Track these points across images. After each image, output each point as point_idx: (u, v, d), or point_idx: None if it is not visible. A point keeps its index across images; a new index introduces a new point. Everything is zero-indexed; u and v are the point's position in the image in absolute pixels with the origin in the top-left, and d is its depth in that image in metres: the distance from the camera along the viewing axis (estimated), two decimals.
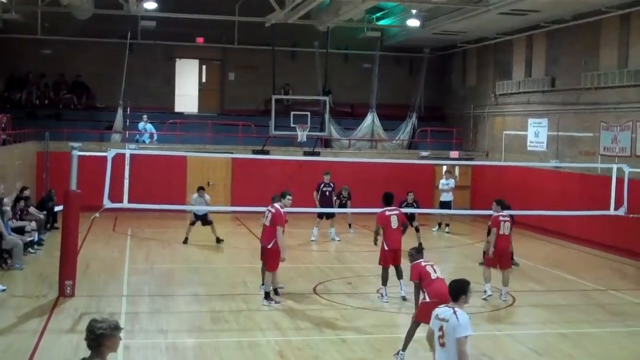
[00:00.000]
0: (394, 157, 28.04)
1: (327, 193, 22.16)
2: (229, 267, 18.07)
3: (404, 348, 10.82)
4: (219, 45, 31.66)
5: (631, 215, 16.90)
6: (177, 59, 32.33)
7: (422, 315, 10.47)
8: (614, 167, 17.07)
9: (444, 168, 27.17)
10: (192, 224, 21.05)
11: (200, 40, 31.11)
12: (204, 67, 33.11)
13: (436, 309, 7.54)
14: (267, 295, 14.19)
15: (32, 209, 20.25)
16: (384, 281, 14.74)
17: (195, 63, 32.96)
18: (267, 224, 14.25)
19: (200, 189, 20.91)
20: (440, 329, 7.24)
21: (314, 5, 23.81)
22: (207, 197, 20.97)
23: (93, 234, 21.20)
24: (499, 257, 14.95)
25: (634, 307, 14.97)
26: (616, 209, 16.66)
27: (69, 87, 30.48)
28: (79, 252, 15.87)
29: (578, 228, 22.17)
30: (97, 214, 14.84)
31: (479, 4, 22.82)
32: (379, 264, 14.87)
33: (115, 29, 28.53)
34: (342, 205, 22.74)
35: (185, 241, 20.87)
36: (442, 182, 24.94)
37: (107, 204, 14.17)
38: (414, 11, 26.37)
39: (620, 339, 12.54)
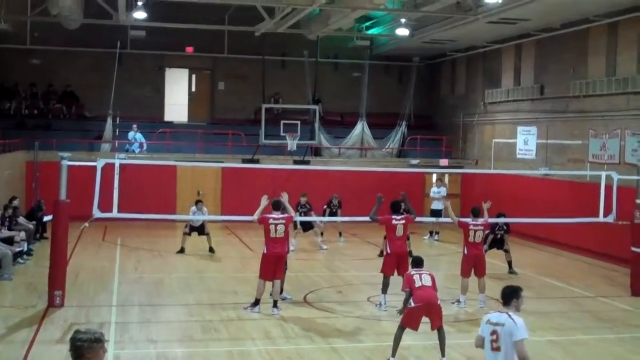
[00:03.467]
0: (384, 165, 28.08)
1: (303, 214, 21.40)
2: (219, 276, 18.04)
3: (393, 354, 10.98)
4: (208, 55, 31.70)
5: (620, 223, 16.95)
6: (167, 69, 32.32)
7: (407, 320, 11.03)
8: (603, 174, 17.12)
9: (434, 176, 27.23)
10: (188, 234, 21.01)
11: (189, 49, 31.13)
12: (193, 76, 33.11)
13: (487, 315, 7.71)
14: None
15: (21, 219, 20.18)
16: (384, 289, 14.72)
17: (185, 72, 32.96)
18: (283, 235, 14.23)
19: (199, 202, 20.95)
20: (494, 333, 7.39)
21: (303, 14, 23.88)
22: (205, 209, 21.03)
23: (82, 244, 21.14)
24: (473, 265, 15.03)
25: (623, 314, 15.02)
26: (605, 216, 16.70)
27: (59, 96, 30.42)
28: (69, 262, 15.83)
29: (567, 235, 22.23)
30: (86, 224, 14.80)
31: (468, 13, 22.93)
32: (381, 271, 14.86)
33: (105, 38, 28.53)
34: (333, 213, 22.75)
35: (182, 251, 20.82)
36: (434, 190, 25.00)
37: (96, 213, 14.13)
38: (403, 20, 26.44)
39: (609, 346, 12.57)
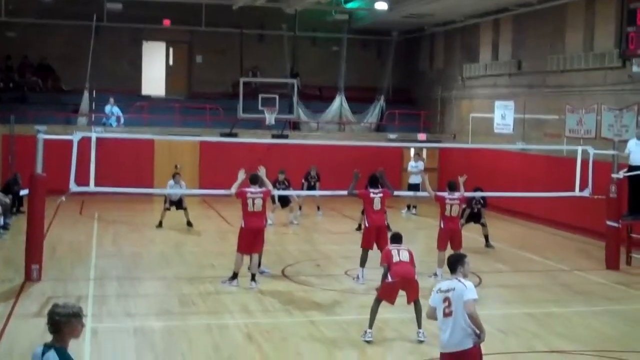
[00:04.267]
0: (362, 140, 28.11)
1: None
2: (197, 250, 18.05)
3: (370, 326, 11.07)
4: (186, 28, 31.46)
5: (595, 197, 17.11)
6: (144, 42, 32.06)
7: (384, 293, 11.20)
8: (579, 149, 17.25)
9: (412, 151, 27.28)
10: (167, 209, 20.92)
11: (167, 22, 30.82)
12: (171, 49, 32.88)
13: (438, 284, 7.99)
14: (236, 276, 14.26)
15: None
16: (363, 263, 14.79)
17: (162, 45, 32.72)
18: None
19: (176, 175, 20.80)
20: (446, 300, 7.66)
21: None
22: (183, 183, 20.90)
23: (59, 218, 21.02)
24: (450, 239, 15.13)
25: (598, 287, 15.21)
26: (581, 190, 16.84)
27: (34, 69, 30.11)
28: (46, 236, 15.75)
29: (544, 209, 22.41)
30: (63, 198, 14.77)
31: None
32: (361, 245, 14.93)
33: (81, 11, 28.23)
34: (311, 187, 22.77)
35: (160, 225, 20.75)
36: (411, 165, 25.08)
37: (73, 187, 14.05)
38: None
39: (585, 319, 12.73)
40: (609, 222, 16.99)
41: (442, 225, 15.28)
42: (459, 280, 7.74)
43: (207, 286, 14.27)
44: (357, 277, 14.83)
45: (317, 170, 23.24)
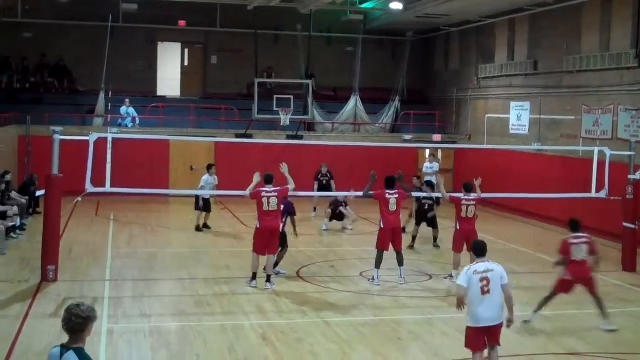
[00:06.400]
0: (377, 141, 28.05)
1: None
2: (212, 251, 18.07)
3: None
4: (201, 29, 31.52)
5: (612, 198, 17.01)
6: (159, 43, 32.15)
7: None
8: (596, 150, 17.16)
9: (427, 151, 27.23)
10: (202, 209, 20.28)
11: (182, 23, 30.92)
12: (186, 50, 32.95)
13: (471, 266, 8.86)
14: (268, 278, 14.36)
15: (14, 194, 20.13)
16: (378, 264, 14.78)
17: (177, 46, 32.79)
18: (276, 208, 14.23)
19: (212, 166, 20.24)
20: (484, 279, 8.59)
21: None
22: (216, 177, 20.36)
23: (75, 219, 21.12)
24: (466, 240, 15.02)
25: (614, 289, 15.12)
26: (597, 191, 16.76)
27: (51, 70, 30.25)
28: (62, 236, 15.83)
29: (560, 210, 22.21)
30: (79, 199, 14.79)
31: None
32: (376, 246, 14.91)
33: (97, 12, 28.35)
34: (323, 186, 22.46)
35: (200, 228, 20.32)
36: (426, 166, 25.02)
37: (89, 188, 14.11)
38: None
39: (601, 320, 12.63)
40: (625, 224, 16.90)
41: (458, 227, 15.18)
42: (494, 263, 8.79)
43: (223, 287, 14.30)
44: (373, 279, 14.81)
45: (328, 167, 22.98)
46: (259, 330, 11.55)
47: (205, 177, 20.23)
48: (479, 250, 9.03)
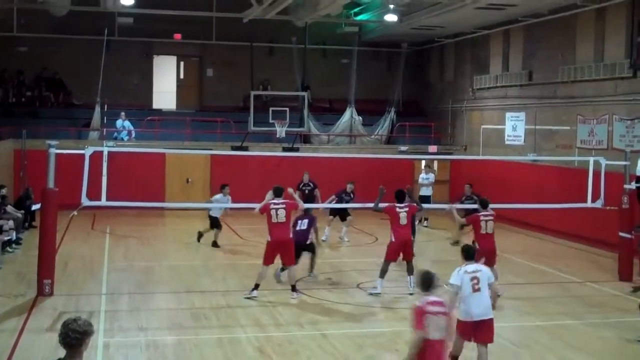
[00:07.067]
0: (373, 152, 28.08)
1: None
2: (208, 264, 18.04)
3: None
4: (196, 42, 31.56)
5: (608, 208, 17.03)
6: (155, 56, 32.19)
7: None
8: (591, 159, 17.20)
9: (423, 162, 27.24)
10: (216, 227, 19.93)
11: (177, 36, 30.98)
12: (181, 63, 32.99)
13: (462, 267, 9.65)
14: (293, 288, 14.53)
15: (9, 208, 20.08)
16: (382, 274, 14.82)
17: (173, 59, 32.82)
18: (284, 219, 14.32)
19: (224, 186, 19.67)
20: (474, 278, 9.53)
21: (291, 1, 23.80)
22: (229, 197, 19.78)
23: (71, 233, 21.08)
24: (485, 256, 14.90)
25: (611, 299, 15.12)
26: (593, 201, 16.79)
27: (46, 84, 30.25)
28: (58, 250, 15.79)
29: (556, 221, 22.32)
30: (75, 212, 14.77)
31: None
32: (385, 259, 14.91)
33: (92, 25, 28.35)
34: (306, 196, 21.50)
35: (215, 244, 19.86)
36: (422, 177, 25.02)
37: (85, 202, 14.10)
38: (391, 6, 26.35)
39: (598, 330, 12.66)
40: (621, 234, 16.91)
41: (478, 246, 14.30)
42: (480, 264, 9.97)
43: (219, 300, 14.27)
44: (375, 288, 14.80)
45: (309, 176, 22.11)
46: (255, 343, 11.52)
47: (219, 196, 19.76)
48: (469, 254, 9.88)
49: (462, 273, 9.59)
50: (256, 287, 14.35)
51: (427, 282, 8.15)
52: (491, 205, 18.07)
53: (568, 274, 17.43)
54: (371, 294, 14.74)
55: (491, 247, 14.65)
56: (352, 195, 21.01)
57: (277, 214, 14.15)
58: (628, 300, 15.00)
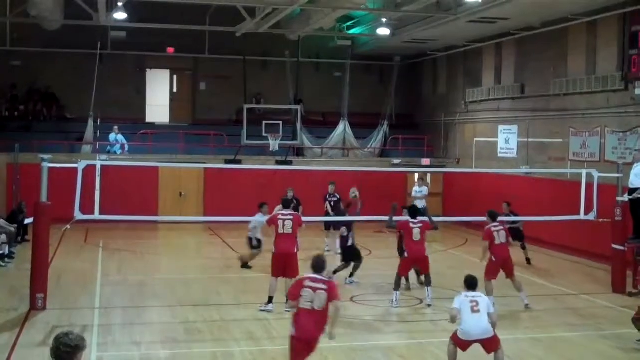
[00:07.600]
0: (366, 165, 28.08)
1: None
2: (202, 278, 17.99)
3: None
4: (189, 55, 31.61)
5: (601, 220, 17.06)
6: (148, 69, 32.21)
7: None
8: (584, 172, 17.23)
9: (416, 175, 27.27)
10: (256, 247, 18.70)
11: (170, 50, 31.01)
12: (175, 77, 33.02)
13: (461, 294, 10.22)
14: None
15: (2, 222, 20.02)
16: (397, 286, 14.96)
17: (166, 73, 32.85)
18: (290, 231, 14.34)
19: (263, 204, 17.94)
20: (474, 301, 9.99)
21: (284, 14, 23.87)
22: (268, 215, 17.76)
23: (64, 247, 21.02)
24: (502, 267, 14.94)
25: (605, 311, 15.12)
26: (586, 213, 16.81)
27: (39, 98, 30.22)
28: (51, 264, 15.70)
29: (549, 233, 22.34)
30: (68, 226, 14.73)
31: (448, 13, 23.01)
32: (398, 273, 15.07)
33: (85, 39, 28.35)
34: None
35: (246, 265, 18.69)
36: (415, 190, 25.04)
37: (78, 215, 14.06)
38: (384, 20, 26.49)
39: (593, 343, 12.65)
40: (614, 246, 16.93)
41: (493, 258, 14.80)
42: (482, 294, 10.57)
43: (213, 314, 14.23)
44: (393, 301, 14.87)
45: (293, 191, 21.12)
46: (249, 357, 11.49)
47: (258, 216, 17.65)
48: (471, 285, 10.36)
49: (462, 297, 10.12)
50: (270, 300, 14.37)
51: (318, 265, 9.59)
52: (484, 218, 18.18)
53: (562, 286, 17.44)
54: (392, 307, 14.80)
55: (506, 254, 14.99)
56: (337, 195, 21.08)
57: (283, 225, 14.29)
58: (622, 312, 14.99)
